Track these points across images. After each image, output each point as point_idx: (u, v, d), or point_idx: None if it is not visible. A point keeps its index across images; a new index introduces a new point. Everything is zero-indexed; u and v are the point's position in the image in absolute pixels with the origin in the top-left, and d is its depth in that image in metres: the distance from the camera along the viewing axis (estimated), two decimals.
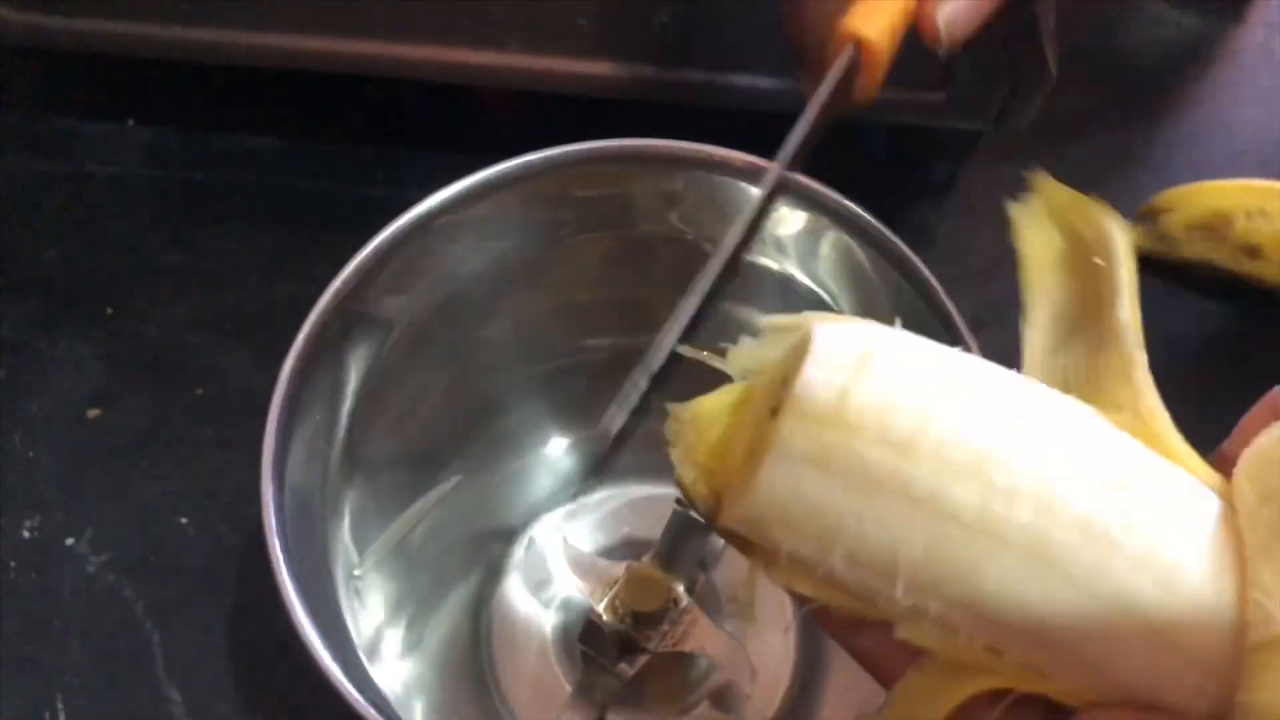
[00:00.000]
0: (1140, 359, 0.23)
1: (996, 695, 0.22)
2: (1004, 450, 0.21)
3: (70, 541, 0.45)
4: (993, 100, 0.47)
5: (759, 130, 0.41)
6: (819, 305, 0.39)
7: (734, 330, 0.36)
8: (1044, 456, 0.21)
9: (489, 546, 0.46)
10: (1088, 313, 0.24)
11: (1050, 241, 0.25)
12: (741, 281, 0.41)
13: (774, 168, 0.34)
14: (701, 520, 0.32)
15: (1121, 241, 0.24)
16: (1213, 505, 0.21)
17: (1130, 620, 0.20)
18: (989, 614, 0.21)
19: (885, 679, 0.23)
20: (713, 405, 0.25)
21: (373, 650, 0.37)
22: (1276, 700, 0.19)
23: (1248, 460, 0.21)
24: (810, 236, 0.38)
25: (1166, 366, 0.55)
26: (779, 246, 0.39)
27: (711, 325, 0.43)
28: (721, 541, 0.40)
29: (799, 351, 0.22)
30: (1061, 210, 0.25)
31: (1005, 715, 0.22)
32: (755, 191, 0.37)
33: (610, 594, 0.41)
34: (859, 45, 0.33)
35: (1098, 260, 0.24)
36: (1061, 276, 0.25)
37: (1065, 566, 0.20)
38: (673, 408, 0.25)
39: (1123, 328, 0.23)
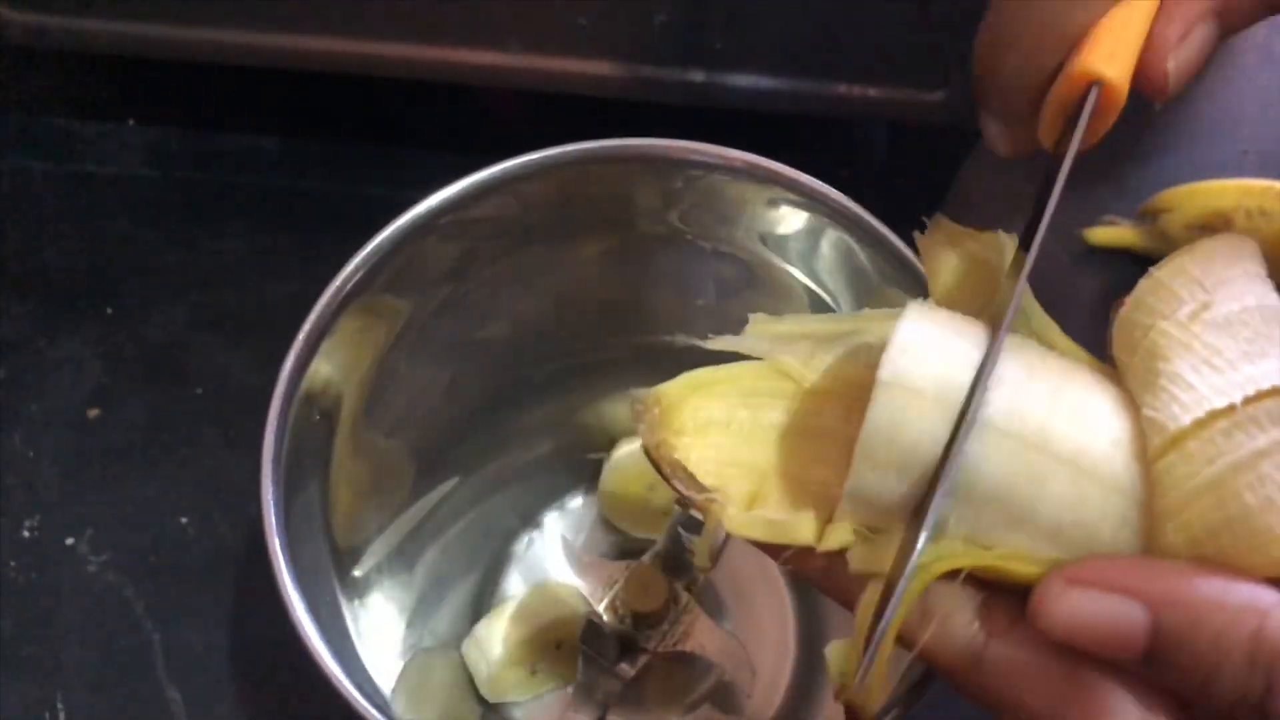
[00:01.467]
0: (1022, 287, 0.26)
1: (951, 578, 0.23)
2: None
3: (70, 541, 0.45)
4: None
5: (759, 130, 0.41)
6: (819, 305, 0.39)
7: (734, 328, 0.36)
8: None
9: (488, 546, 0.46)
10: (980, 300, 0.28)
11: (950, 260, 0.29)
12: (740, 280, 0.41)
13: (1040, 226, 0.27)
14: (702, 520, 0.31)
15: (1009, 243, 0.27)
16: (1103, 375, 0.24)
17: (1050, 453, 0.22)
18: (925, 476, 0.23)
19: (848, 601, 0.24)
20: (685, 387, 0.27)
21: (372, 649, 0.37)
22: (1184, 495, 0.21)
23: (1114, 335, 0.24)
24: (810, 236, 0.38)
25: None
26: (779, 246, 0.39)
27: (709, 323, 0.44)
28: (722, 540, 0.40)
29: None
30: (958, 238, 0.29)
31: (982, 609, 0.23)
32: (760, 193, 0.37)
33: (610, 594, 0.41)
34: (1101, 88, 0.27)
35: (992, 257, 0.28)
36: (960, 282, 0.29)
37: (984, 414, 0.23)
38: (644, 394, 0.27)
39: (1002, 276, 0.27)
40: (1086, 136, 0.28)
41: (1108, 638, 0.21)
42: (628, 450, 0.46)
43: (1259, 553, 0.21)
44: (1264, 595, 0.20)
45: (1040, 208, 0.27)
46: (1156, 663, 0.21)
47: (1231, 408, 0.21)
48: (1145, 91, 0.29)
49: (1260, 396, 0.21)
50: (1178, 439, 0.22)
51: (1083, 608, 0.21)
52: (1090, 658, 0.21)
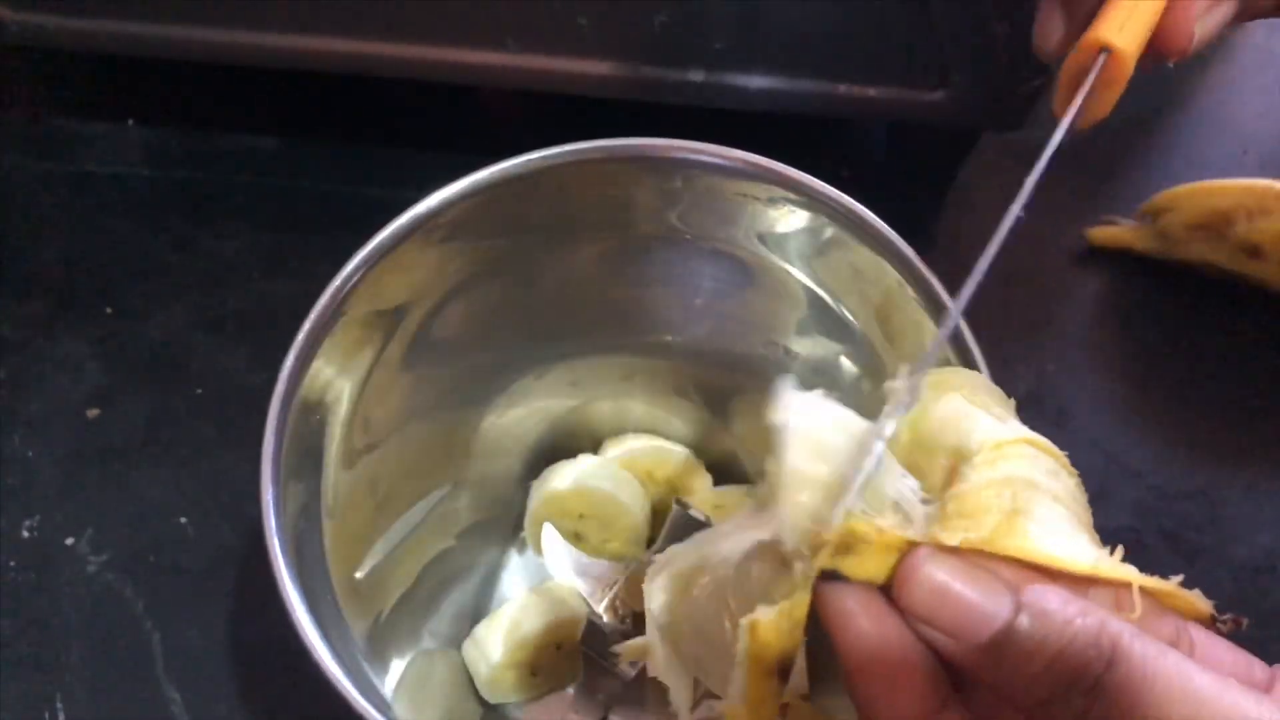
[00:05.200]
0: None
1: None
2: None
3: (70, 541, 0.45)
4: (992, 100, 0.47)
5: (759, 130, 0.41)
6: (818, 304, 0.39)
7: (733, 327, 0.36)
8: None
9: (489, 547, 0.46)
10: None
11: None
12: (739, 280, 0.41)
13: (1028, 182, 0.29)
14: (702, 520, 0.31)
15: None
16: None
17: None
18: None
19: None
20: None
21: (373, 650, 0.37)
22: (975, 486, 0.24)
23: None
24: (810, 236, 0.38)
25: (1165, 366, 0.55)
26: (778, 245, 0.39)
27: (708, 322, 0.44)
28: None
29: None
30: None
31: None
32: (755, 189, 0.37)
33: (610, 594, 0.41)
34: (1108, 55, 0.30)
35: None
36: None
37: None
38: None
39: None
40: (1097, 106, 0.30)
41: (969, 615, 0.21)
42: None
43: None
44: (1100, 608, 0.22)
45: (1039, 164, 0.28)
46: (998, 650, 0.21)
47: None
48: (1164, 52, 0.31)
49: (1015, 442, 0.25)
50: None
51: (954, 579, 0.22)
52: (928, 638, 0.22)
